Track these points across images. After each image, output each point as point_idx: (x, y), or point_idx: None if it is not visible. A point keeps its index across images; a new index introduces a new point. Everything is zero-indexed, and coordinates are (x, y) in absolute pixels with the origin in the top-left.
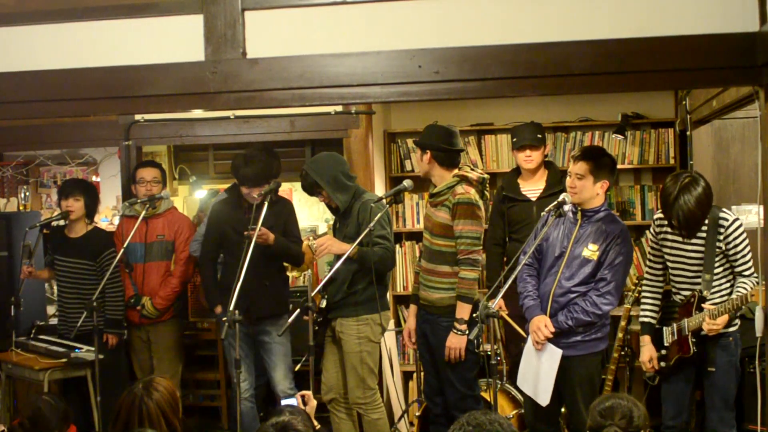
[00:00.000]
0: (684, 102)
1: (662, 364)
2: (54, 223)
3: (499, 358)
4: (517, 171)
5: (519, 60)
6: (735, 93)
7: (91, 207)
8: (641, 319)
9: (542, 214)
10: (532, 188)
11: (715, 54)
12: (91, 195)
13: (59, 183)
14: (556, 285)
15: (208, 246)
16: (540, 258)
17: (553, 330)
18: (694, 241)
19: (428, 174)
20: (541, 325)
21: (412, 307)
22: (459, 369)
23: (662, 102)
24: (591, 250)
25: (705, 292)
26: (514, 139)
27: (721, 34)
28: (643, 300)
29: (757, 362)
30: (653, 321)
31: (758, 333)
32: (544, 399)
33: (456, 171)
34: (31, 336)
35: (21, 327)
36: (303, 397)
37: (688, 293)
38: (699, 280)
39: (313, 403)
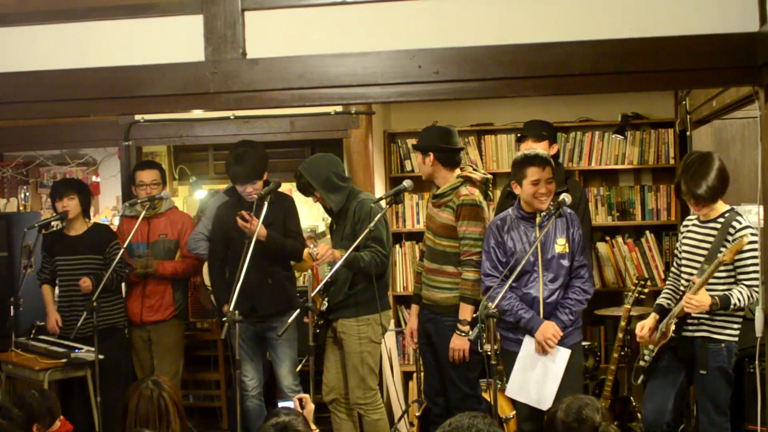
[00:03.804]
0: (684, 102)
1: (646, 358)
2: (54, 223)
3: (498, 359)
4: None
5: (519, 60)
6: (735, 93)
7: (86, 203)
8: (657, 302)
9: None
10: None
11: (715, 54)
12: (83, 192)
13: None
14: (543, 289)
15: (214, 247)
16: (506, 270)
17: (561, 334)
18: (706, 236)
19: (431, 176)
20: (552, 331)
21: (414, 307)
22: (462, 369)
23: (662, 102)
24: (561, 245)
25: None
26: (518, 135)
27: (721, 34)
28: (663, 291)
29: (757, 362)
30: (665, 304)
31: (758, 333)
32: (548, 402)
33: (458, 171)
34: (31, 336)
35: (21, 327)
36: (301, 400)
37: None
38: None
39: (311, 406)
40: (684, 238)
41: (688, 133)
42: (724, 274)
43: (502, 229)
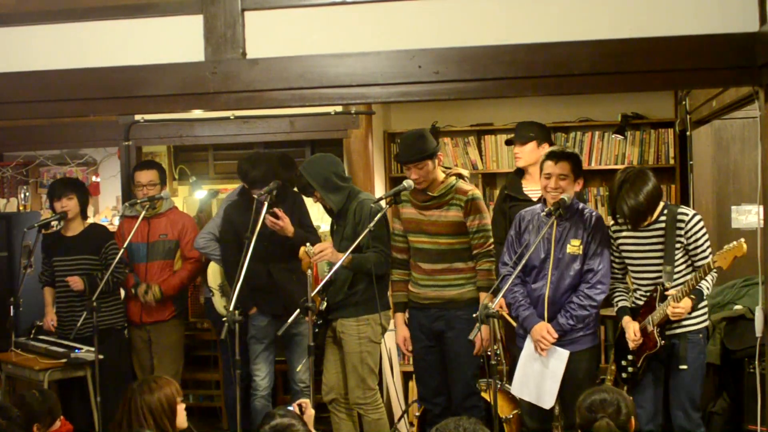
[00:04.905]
0: (684, 102)
1: (630, 369)
2: (53, 223)
3: (498, 358)
4: (520, 170)
5: (518, 60)
6: (735, 93)
7: (84, 203)
8: (618, 306)
9: (524, 218)
10: (534, 188)
11: (715, 54)
12: (82, 191)
13: None
14: (549, 288)
15: (230, 252)
16: (518, 263)
17: (556, 336)
18: (653, 239)
19: (433, 179)
20: (544, 332)
21: (400, 316)
22: (470, 366)
23: (662, 102)
24: (574, 246)
25: (667, 284)
26: (507, 139)
27: (721, 34)
28: (612, 295)
29: (757, 362)
30: (627, 304)
31: (758, 333)
32: (549, 401)
33: (442, 170)
34: (31, 336)
35: (21, 327)
36: (300, 405)
37: (651, 289)
38: (661, 274)
39: (311, 411)
40: (622, 245)
41: (688, 133)
42: (682, 266)
43: (523, 221)
